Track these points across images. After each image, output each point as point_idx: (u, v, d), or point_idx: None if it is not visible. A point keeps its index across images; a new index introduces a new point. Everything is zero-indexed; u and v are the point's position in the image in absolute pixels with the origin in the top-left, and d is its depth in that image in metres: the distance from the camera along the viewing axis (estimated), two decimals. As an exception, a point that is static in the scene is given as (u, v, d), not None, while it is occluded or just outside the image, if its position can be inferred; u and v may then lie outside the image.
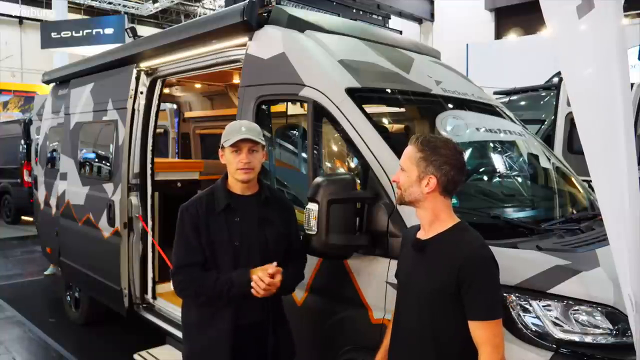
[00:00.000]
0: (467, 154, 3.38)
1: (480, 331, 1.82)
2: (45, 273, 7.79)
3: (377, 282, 2.59)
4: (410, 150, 1.98)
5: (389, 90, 3.24)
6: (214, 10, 25.08)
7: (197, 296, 2.43)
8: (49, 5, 21.34)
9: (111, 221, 4.61)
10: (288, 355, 2.61)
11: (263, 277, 2.28)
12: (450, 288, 1.84)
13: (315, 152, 3.03)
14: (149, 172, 4.59)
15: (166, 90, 5.95)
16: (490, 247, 1.94)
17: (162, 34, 4.54)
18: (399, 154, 2.70)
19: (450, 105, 3.42)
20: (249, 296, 2.33)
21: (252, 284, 2.29)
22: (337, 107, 2.86)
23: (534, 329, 2.18)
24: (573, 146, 6.46)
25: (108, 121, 4.87)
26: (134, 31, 5.05)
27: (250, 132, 2.40)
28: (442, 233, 1.95)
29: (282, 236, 2.53)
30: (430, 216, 1.96)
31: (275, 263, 2.35)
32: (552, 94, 7.50)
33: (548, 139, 6.66)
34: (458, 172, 1.94)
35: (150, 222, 4.60)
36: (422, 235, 2.01)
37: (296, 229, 2.64)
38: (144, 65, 4.53)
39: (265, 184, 2.60)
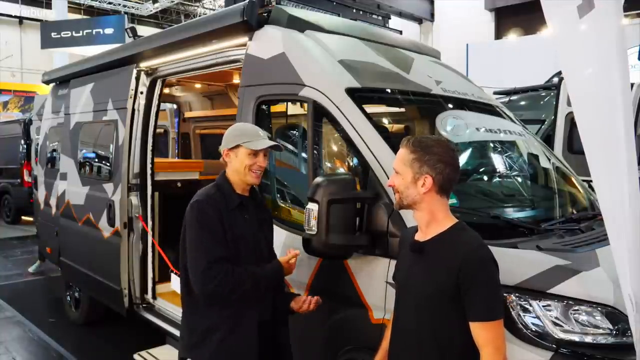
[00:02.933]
0: (467, 154, 3.38)
1: (481, 332, 1.81)
2: (31, 270, 7.88)
3: (377, 282, 2.59)
4: (402, 153, 1.97)
5: (389, 90, 3.24)
6: (214, 10, 25.08)
7: (232, 292, 2.32)
8: (49, 5, 21.36)
9: (111, 221, 4.61)
10: (290, 352, 2.63)
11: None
12: (450, 289, 1.83)
13: (315, 152, 3.03)
14: (149, 172, 4.59)
15: (166, 90, 5.95)
16: (490, 247, 1.93)
17: (162, 34, 4.54)
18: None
19: (450, 105, 3.41)
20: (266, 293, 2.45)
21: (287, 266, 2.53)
22: (337, 107, 2.86)
23: (534, 329, 2.18)
24: (573, 146, 6.45)
25: (108, 121, 4.87)
26: (134, 31, 5.05)
27: (267, 138, 2.50)
28: (440, 234, 1.94)
29: (271, 236, 2.67)
30: (428, 217, 1.95)
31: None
32: (552, 94, 7.50)
33: (548, 139, 6.66)
34: (453, 170, 1.93)
35: (150, 222, 4.60)
36: (420, 236, 2.00)
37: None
38: (144, 65, 4.53)
39: (254, 187, 2.64)
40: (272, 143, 2.48)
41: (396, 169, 1.99)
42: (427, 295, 1.90)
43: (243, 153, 2.42)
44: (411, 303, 1.97)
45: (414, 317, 1.95)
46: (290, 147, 3.71)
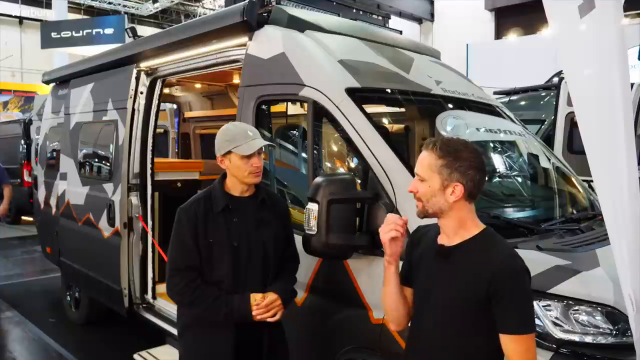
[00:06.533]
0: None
1: (511, 345, 1.70)
2: None
3: (377, 282, 2.56)
4: (428, 157, 1.79)
5: (389, 90, 3.24)
6: (214, 10, 25.08)
7: (191, 306, 2.43)
8: (49, 5, 21.36)
9: (111, 221, 4.61)
10: (283, 355, 2.61)
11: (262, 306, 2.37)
12: (479, 298, 1.72)
13: (315, 152, 3.03)
14: (149, 172, 4.59)
15: (166, 90, 5.95)
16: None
17: (162, 34, 4.54)
18: (399, 154, 2.72)
19: (450, 105, 3.41)
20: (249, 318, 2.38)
21: (254, 311, 2.36)
22: (337, 107, 2.86)
23: (534, 329, 2.18)
24: (573, 146, 6.45)
25: (108, 121, 4.86)
26: (134, 31, 5.05)
27: (257, 136, 2.45)
28: (468, 240, 1.81)
29: (279, 238, 2.54)
30: (456, 224, 1.81)
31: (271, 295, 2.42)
32: (552, 94, 7.49)
33: (548, 139, 6.65)
34: (483, 176, 1.81)
35: (150, 222, 4.60)
36: (444, 240, 1.86)
37: (291, 232, 2.66)
38: (144, 65, 4.52)
39: (261, 185, 2.59)
40: (263, 143, 2.43)
41: (421, 175, 1.81)
42: (454, 302, 1.79)
43: (236, 158, 2.40)
44: (436, 310, 1.84)
45: (438, 324, 1.83)
46: (290, 147, 3.71)
